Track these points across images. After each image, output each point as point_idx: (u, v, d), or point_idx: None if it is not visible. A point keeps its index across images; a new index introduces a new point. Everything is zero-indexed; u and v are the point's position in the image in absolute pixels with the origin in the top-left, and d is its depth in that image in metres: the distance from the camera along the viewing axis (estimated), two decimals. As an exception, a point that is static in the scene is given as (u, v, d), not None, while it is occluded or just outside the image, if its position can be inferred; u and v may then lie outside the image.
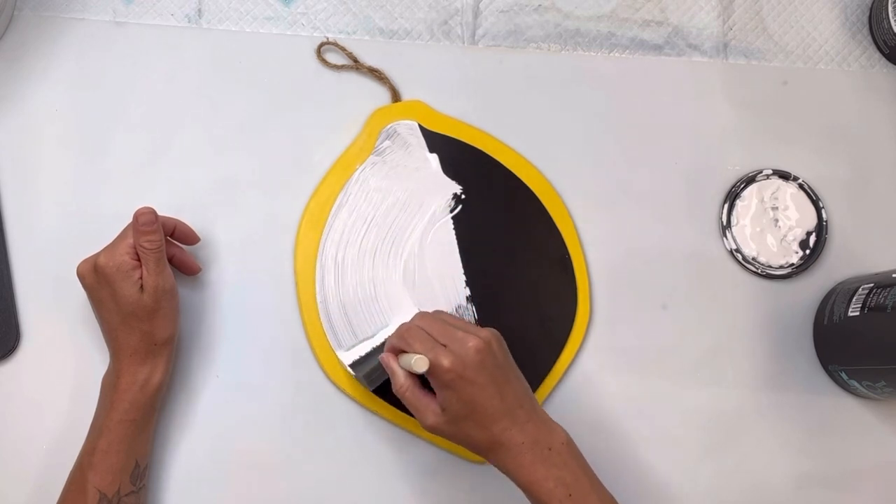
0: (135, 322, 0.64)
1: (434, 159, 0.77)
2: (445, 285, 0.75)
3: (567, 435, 0.62)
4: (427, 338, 0.62)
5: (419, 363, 0.59)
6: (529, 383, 0.74)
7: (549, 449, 0.61)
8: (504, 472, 0.62)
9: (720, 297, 0.78)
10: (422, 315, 0.66)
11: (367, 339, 0.72)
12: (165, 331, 0.66)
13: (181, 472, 0.70)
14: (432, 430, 0.62)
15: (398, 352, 0.64)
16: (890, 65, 0.85)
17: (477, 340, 0.61)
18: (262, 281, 0.74)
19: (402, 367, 0.63)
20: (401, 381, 0.63)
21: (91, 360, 0.70)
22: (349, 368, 0.71)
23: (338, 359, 0.72)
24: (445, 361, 0.60)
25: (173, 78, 0.77)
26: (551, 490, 0.60)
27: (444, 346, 0.61)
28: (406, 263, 0.75)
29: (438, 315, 0.66)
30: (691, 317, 0.77)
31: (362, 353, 0.72)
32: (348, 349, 0.72)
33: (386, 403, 0.72)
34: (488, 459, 0.62)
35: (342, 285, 0.74)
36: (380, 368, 0.68)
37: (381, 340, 0.72)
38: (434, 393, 0.62)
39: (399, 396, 0.63)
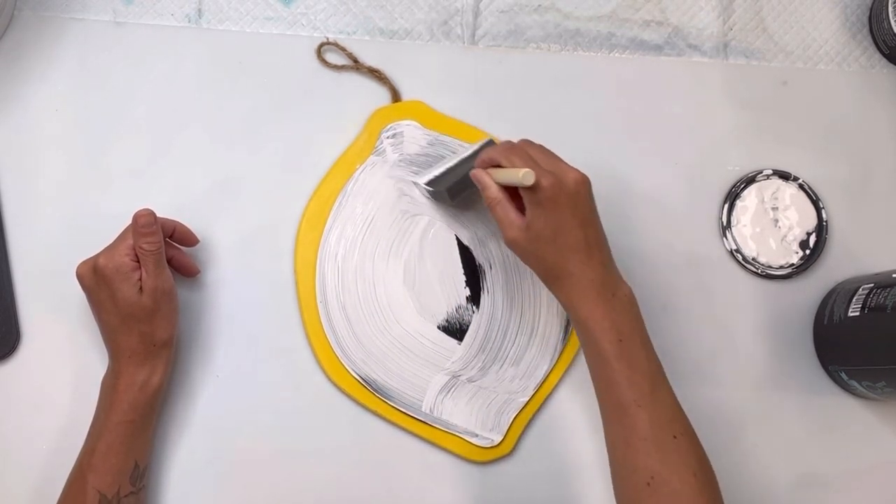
0: (134, 323, 0.64)
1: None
2: (445, 285, 0.75)
3: (632, 292, 0.65)
4: (529, 158, 0.64)
5: (527, 176, 0.61)
6: (528, 382, 0.74)
7: (613, 295, 0.64)
8: (564, 303, 0.65)
9: (720, 297, 0.78)
10: (526, 141, 0.68)
11: (440, 164, 0.75)
12: (164, 332, 0.66)
13: (181, 473, 0.70)
14: (511, 242, 0.65)
15: (493, 165, 0.66)
16: (890, 65, 0.85)
17: (578, 173, 0.64)
18: (262, 281, 0.74)
19: (497, 181, 0.65)
20: (493, 193, 0.66)
21: (91, 361, 0.70)
22: (426, 187, 0.74)
23: None
24: (545, 181, 0.62)
25: (173, 78, 0.77)
26: (606, 329, 0.62)
27: (545, 168, 0.63)
28: (406, 263, 0.75)
29: (541, 146, 0.67)
30: (691, 317, 0.77)
31: (437, 174, 0.74)
32: (421, 174, 0.75)
33: (386, 404, 0.72)
34: (551, 286, 0.66)
35: (342, 285, 0.74)
36: (462, 182, 0.71)
37: (456, 161, 0.73)
38: (513, 207, 0.65)
39: (489, 207, 0.66)
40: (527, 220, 0.64)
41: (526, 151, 0.65)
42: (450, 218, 0.76)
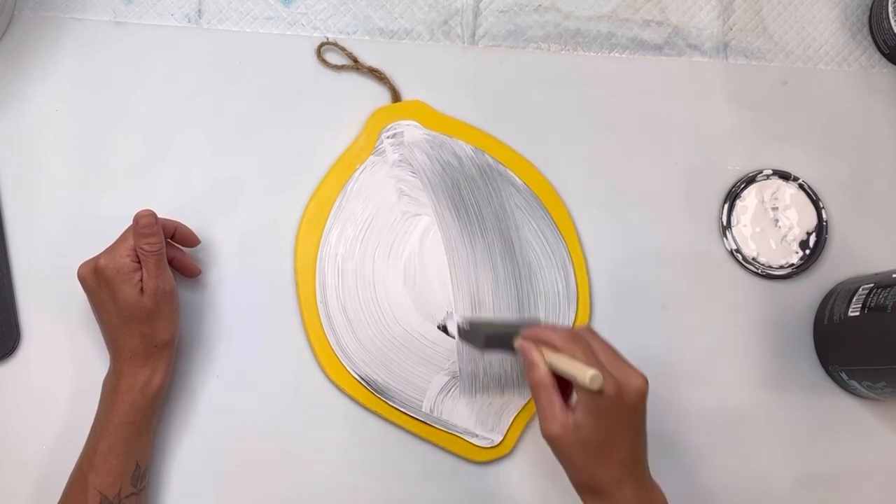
0: (135, 324, 0.64)
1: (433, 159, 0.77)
2: (445, 285, 0.75)
3: (662, 495, 0.61)
4: (593, 355, 0.59)
5: (594, 380, 0.55)
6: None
7: None
8: None
9: (720, 297, 0.78)
10: (589, 331, 0.62)
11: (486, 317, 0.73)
12: (166, 333, 0.66)
13: (181, 473, 0.70)
14: (551, 438, 0.59)
15: (545, 345, 0.60)
16: (890, 65, 0.85)
17: (641, 381, 0.58)
18: (262, 281, 0.74)
19: (549, 363, 0.59)
20: (541, 376, 0.59)
21: (91, 361, 0.70)
22: (462, 324, 0.70)
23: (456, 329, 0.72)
24: (609, 388, 0.56)
25: (173, 78, 0.77)
26: None
27: (609, 371, 0.58)
28: (406, 264, 0.75)
29: (604, 340, 0.61)
30: (691, 317, 0.77)
31: (479, 321, 0.71)
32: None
33: (386, 404, 0.72)
34: (582, 495, 0.60)
35: (342, 285, 0.74)
36: (502, 340, 0.65)
37: (503, 321, 0.71)
38: (560, 397, 0.59)
39: (532, 389, 0.60)
40: (575, 420, 0.57)
41: (590, 346, 0.59)
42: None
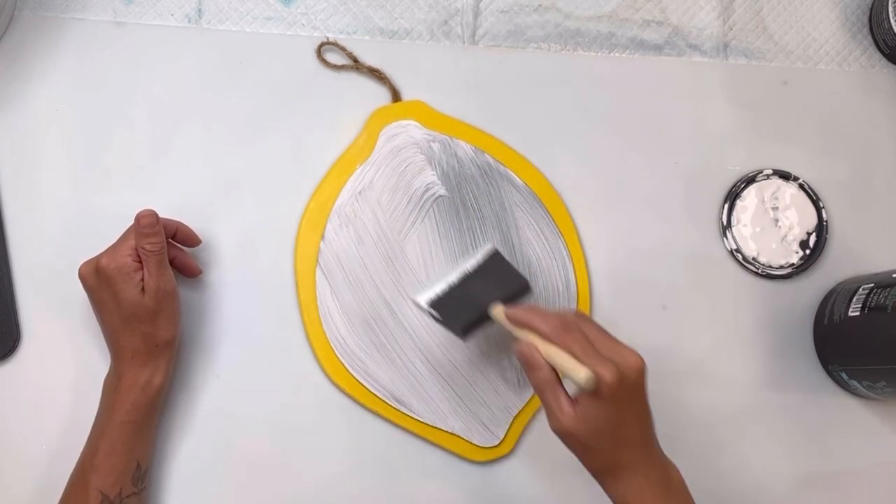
0: (136, 324, 0.64)
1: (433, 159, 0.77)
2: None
3: (679, 473, 0.61)
4: (588, 344, 0.58)
5: (589, 382, 0.55)
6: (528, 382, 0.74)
7: (669, 487, 0.60)
8: (616, 497, 0.60)
9: (720, 297, 0.78)
10: (581, 317, 0.61)
11: (439, 279, 0.67)
12: (167, 332, 0.66)
13: (182, 473, 0.70)
14: (563, 433, 0.59)
15: (535, 332, 0.60)
16: (890, 65, 0.85)
17: (637, 360, 0.58)
18: (263, 281, 0.74)
19: (547, 358, 0.59)
20: (546, 376, 0.59)
21: (91, 361, 0.70)
22: (429, 310, 0.66)
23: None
24: (608, 375, 0.56)
25: (173, 78, 0.77)
26: None
27: (606, 357, 0.57)
28: (404, 264, 0.75)
29: (596, 324, 0.61)
30: (691, 317, 0.77)
31: (438, 292, 0.66)
32: (419, 291, 0.67)
33: (386, 404, 0.72)
34: (601, 479, 0.60)
35: (342, 285, 0.74)
36: (477, 319, 0.65)
37: (458, 277, 0.66)
38: (565, 391, 0.59)
39: (535, 388, 0.60)
40: (583, 411, 0.57)
41: (583, 335, 0.58)
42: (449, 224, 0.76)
